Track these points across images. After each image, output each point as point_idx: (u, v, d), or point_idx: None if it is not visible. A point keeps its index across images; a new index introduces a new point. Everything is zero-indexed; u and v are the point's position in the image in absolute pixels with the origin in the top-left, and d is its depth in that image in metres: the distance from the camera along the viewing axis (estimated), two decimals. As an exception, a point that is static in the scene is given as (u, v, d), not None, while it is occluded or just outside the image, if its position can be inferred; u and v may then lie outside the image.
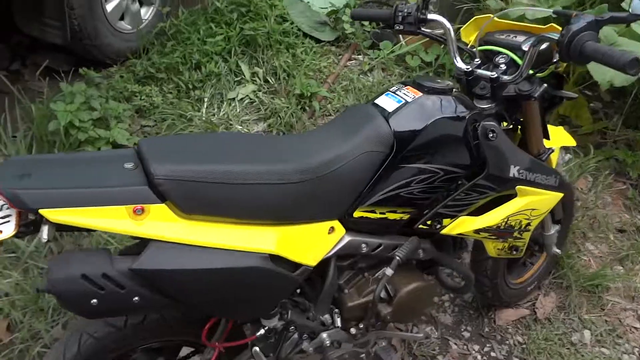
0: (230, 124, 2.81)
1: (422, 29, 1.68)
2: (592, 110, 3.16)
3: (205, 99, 2.89)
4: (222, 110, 2.87)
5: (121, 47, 3.05)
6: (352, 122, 1.44)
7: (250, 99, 2.97)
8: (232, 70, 3.02)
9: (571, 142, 1.99)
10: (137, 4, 3.17)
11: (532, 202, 1.63)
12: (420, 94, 1.44)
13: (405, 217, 1.46)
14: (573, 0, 2.83)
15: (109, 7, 2.96)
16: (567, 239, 2.34)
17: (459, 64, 1.59)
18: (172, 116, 2.75)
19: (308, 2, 3.70)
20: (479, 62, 1.60)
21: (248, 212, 1.22)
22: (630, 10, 1.95)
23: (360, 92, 3.12)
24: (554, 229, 1.98)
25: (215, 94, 2.93)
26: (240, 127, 2.81)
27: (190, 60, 2.98)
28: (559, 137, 1.91)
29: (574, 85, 2.99)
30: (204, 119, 2.79)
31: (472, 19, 1.71)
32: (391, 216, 1.43)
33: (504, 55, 1.59)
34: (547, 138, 1.70)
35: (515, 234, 1.66)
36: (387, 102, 1.45)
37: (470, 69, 1.56)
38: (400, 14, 1.65)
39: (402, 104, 1.43)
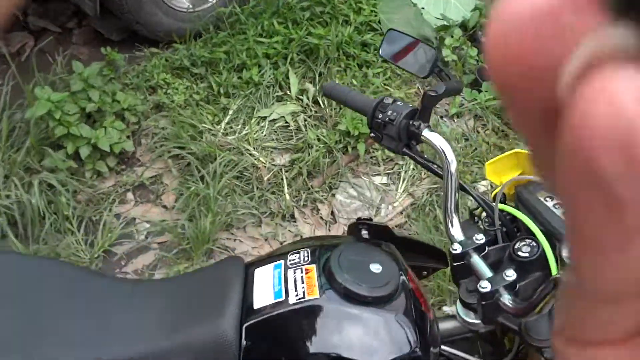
0: (247, 149, 2.30)
1: (411, 147, 1.00)
2: None
3: (231, 111, 2.40)
4: (245, 128, 2.37)
5: (172, 27, 2.65)
6: (198, 298, 0.87)
7: (286, 122, 2.42)
8: (278, 81, 2.48)
9: None
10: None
11: None
12: (319, 295, 0.81)
13: None
14: None
15: (164, -20, 2.56)
16: None
17: (453, 230, 0.91)
18: (183, 122, 2.32)
19: (422, 7, 2.98)
20: (488, 237, 0.90)
21: None
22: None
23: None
24: None
25: (246, 107, 2.42)
26: (257, 154, 2.30)
27: (235, 59, 2.50)
28: None
29: None
30: (219, 134, 2.32)
31: (511, 152, 0.99)
32: None
33: (532, 241, 0.87)
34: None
35: None
36: (263, 280, 0.85)
37: (461, 251, 0.88)
38: (381, 114, 0.98)
39: (280, 301, 0.81)
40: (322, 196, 2.26)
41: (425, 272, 1.23)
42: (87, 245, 2.03)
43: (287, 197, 2.23)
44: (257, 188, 2.23)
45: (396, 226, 2.19)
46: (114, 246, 2.07)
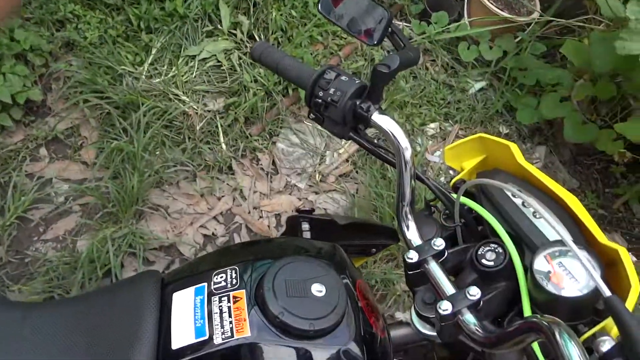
0: (175, 95, 2.05)
1: (359, 131, 0.84)
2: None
3: (154, 50, 2.11)
4: (172, 69, 2.10)
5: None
6: (105, 333, 0.71)
7: (218, 61, 2.16)
8: (207, 13, 2.19)
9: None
10: None
11: None
12: (250, 332, 0.67)
13: None
14: None
15: None
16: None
17: (409, 234, 0.78)
18: (99, 64, 2.02)
19: None
20: (447, 238, 0.78)
21: None
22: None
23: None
24: None
25: (172, 45, 2.14)
26: (187, 100, 2.06)
27: (157, -13, 2.17)
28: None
29: None
30: (142, 77, 2.05)
31: (474, 136, 0.84)
32: None
33: (497, 246, 0.76)
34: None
35: None
36: (182, 310, 0.70)
37: (417, 259, 0.75)
38: (322, 93, 0.81)
39: (203, 341, 0.67)
40: (261, 145, 2.08)
41: (374, 250, 1.12)
42: (-4, 212, 1.79)
43: (224, 147, 2.04)
44: (189, 139, 2.01)
45: (341, 176, 2.06)
46: (29, 211, 1.84)
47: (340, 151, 2.10)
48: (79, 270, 1.65)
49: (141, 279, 0.78)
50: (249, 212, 1.95)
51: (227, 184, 2.00)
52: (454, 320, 0.70)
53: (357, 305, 0.74)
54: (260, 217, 1.95)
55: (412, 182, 0.79)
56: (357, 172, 2.06)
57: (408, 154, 0.78)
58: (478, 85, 2.38)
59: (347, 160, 2.09)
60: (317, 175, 2.04)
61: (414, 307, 0.78)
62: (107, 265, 1.71)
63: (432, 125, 2.24)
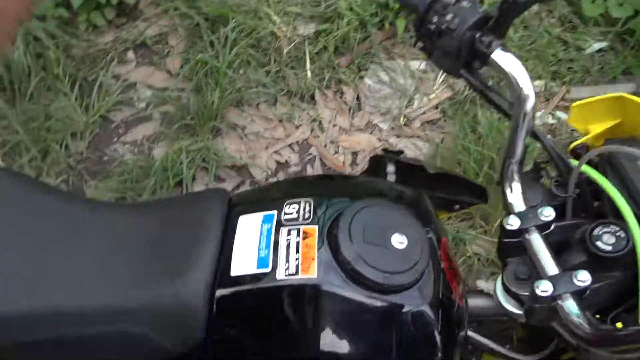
0: (266, 13, 1.96)
1: (473, 70, 0.71)
2: None
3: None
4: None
5: None
6: (166, 241, 0.68)
7: (314, -19, 2.03)
8: None
9: None
10: None
11: None
12: (317, 273, 0.60)
13: None
14: None
15: None
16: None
17: (511, 197, 0.68)
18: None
19: None
20: (557, 207, 0.67)
21: None
22: None
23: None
24: None
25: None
26: (278, 20, 1.96)
27: None
28: None
29: None
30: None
31: (612, 94, 0.70)
32: None
33: (618, 228, 0.63)
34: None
35: None
36: (247, 235, 0.64)
37: (518, 227, 0.65)
38: (437, 18, 0.69)
39: (264, 273, 0.61)
40: (348, 77, 1.97)
41: (458, 206, 1.02)
42: (82, 108, 1.83)
43: (309, 74, 1.95)
44: (275, 61, 1.94)
45: (428, 122, 1.92)
46: (112, 112, 1.86)
47: (431, 96, 1.95)
48: (152, 176, 1.67)
49: (209, 195, 0.73)
50: (325, 146, 1.88)
51: (308, 113, 1.92)
52: (551, 305, 0.60)
53: (439, 265, 0.65)
54: (336, 152, 1.87)
55: (527, 138, 0.68)
56: (445, 120, 1.92)
57: (530, 103, 0.66)
58: (597, 45, 2.11)
59: (436, 107, 1.95)
60: (401, 118, 1.92)
61: (502, 279, 0.68)
62: (179, 176, 1.71)
63: (537, 82, 2.02)
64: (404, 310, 0.61)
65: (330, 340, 0.59)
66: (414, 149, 1.86)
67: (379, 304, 0.60)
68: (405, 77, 1.97)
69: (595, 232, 0.64)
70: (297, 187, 0.75)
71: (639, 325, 0.59)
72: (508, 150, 0.68)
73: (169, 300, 0.62)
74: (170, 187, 1.70)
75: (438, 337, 0.62)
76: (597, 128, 0.70)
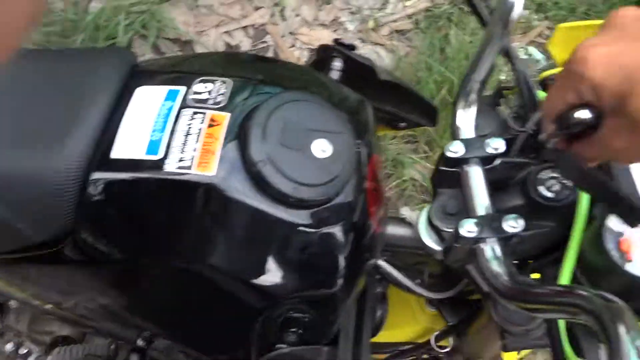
0: None
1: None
2: None
3: None
4: None
5: None
6: (51, 101, 0.56)
7: None
8: None
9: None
10: None
11: None
12: (216, 171, 0.50)
13: None
14: None
15: None
16: None
17: (460, 120, 0.59)
18: None
19: None
20: (504, 135, 0.59)
21: None
22: None
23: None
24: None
25: None
26: None
27: None
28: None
29: None
30: None
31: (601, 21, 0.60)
32: None
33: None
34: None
35: None
36: (141, 110, 0.53)
37: (461, 155, 0.57)
38: None
39: (152, 160, 0.50)
40: (322, -36, 1.77)
41: (403, 124, 0.93)
42: None
43: (279, -49, 1.73)
44: None
45: (397, 31, 1.78)
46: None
47: (408, 3, 1.79)
48: (80, 32, 1.47)
49: (111, 54, 0.60)
50: (283, 36, 1.71)
51: (270, -4, 1.74)
52: (472, 247, 0.53)
53: (363, 184, 0.56)
54: (293, 45, 1.72)
55: (498, 54, 0.57)
56: (415, 33, 1.78)
57: (515, 11, 0.55)
58: (589, -16, 1.98)
59: (409, 17, 1.80)
60: (371, 22, 1.76)
61: (428, 211, 0.61)
62: (113, 39, 1.52)
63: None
64: (310, 230, 0.52)
65: (218, 253, 0.50)
66: (375, 58, 1.73)
67: (282, 218, 0.51)
68: (384, -23, 1.79)
69: (541, 175, 0.56)
70: (217, 63, 0.62)
71: (558, 284, 0.53)
72: (473, 65, 0.58)
73: (33, 173, 0.51)
74: (101, 48, 1.51)
75: (343, 263, 0.54)
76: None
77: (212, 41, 1.64)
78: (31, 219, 0.52)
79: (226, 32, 1.67)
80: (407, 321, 0.88)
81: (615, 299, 0.41)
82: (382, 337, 0.87)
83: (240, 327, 0.55)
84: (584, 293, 0.42)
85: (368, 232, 0.58)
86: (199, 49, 1.61)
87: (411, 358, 0.97)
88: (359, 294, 0.63)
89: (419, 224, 0.62)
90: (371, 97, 0.71)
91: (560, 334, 0.52)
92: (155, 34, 1.55)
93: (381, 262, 0.67)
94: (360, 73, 0.76)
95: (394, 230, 0.68)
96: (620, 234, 0.52)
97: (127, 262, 0.53)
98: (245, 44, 1.68)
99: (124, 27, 1.51)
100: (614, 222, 0.51)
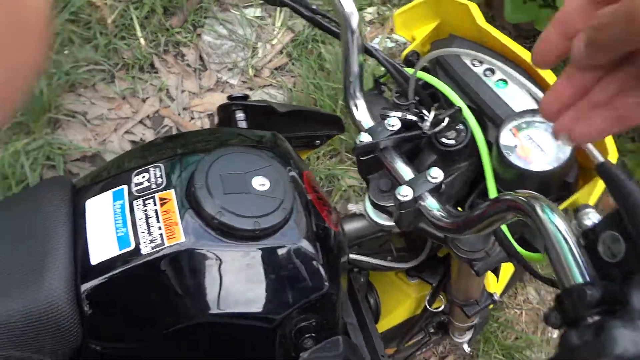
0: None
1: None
2: None
3: None
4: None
5: None
6: (9, 251, 0.60)
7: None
8: None
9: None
10: None
11: None
12: (184, 237, 0.57)
13: None
14: None
15: None
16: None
17: (358, 114, 0.69)
18: None
19: None
20: (403, 117, 0.69)
21: None
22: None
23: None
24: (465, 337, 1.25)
25: None
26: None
27: None
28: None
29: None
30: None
31: (416, 1, 0.73)
32: None
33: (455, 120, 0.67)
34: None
35: None
36: (99, 219, 0.59)
37: (368, 143, 0.67)
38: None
39: (128, 252, 0.57)
40: (185, 38, 1.87)
41: (318, 141, 1.03)
42: None
43: (142, 42, 1.82)
44: (101, 34, 1.78)
45: (276, 69, 1.91)
46: None
47: (273, 42, 1.93)
48: (-11, 188, 1.48)
49: (46, 187, 0.66)
50: (179, 114, 1.79)
51: (151, 84, 1.81)
52: (414, 207, 0.63)
53: (306, 198, 0.65)
54: (192, 118, 1.80)
55: (360, 55, 0.69)
56: (293, 64, 1.92)
57: (355, 20, 0.66)
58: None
59: (281, 52, 1.93)
60: (250, 70, 1.88)
61: (369, 196, 0.70)
62: (24, 181, 1.54)
63: (370, 9, 2.08)
64: (282, 251, 0.60)
65: (216, 302, 0.57)
66: (269, 98, 1.84)
67: (255, 250, 0.58)
68: (244, 27, 1.92)
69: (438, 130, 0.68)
70: (141, 155, 0.69)
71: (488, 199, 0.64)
72: (345, 70, 0.69)
73: (31, 309, 0.55)
74: (16, 194, 1.52)
75: (321, 268, 0.62)
76: (421, 33, 0.73)
77: (117, 145, 1.69)
78: (48, 350, 0.56)
79: (126, 132, 1.73)
80: (399, 300, 0.96)
81: (530, 191, 0.51)
82: (385, 324, 0.95)
83: (263, 353, 0.62)
84: (507, 197, 0.52)
85: (330, 234, 0.67)
86: (109, 157, 1.66)
87: (421, 335, 1.05)
88: (347, 289, 0.71)
89: (368, 210, 0.72)
90: (281, 130, 0.81)
91: (507, 236, 0.62)
92: (62, 160, 1.58)
93: (353, 256, 0.76)
94: (262, 115, 0.86)
95: (351, 225, 0.77)
96: (515, 146, 0.63)
97: (144, 345, 0.58)
98: (148, 135, 1.74)
99: (30, 167, 1.53)
100: (505, 139, 0.63)
